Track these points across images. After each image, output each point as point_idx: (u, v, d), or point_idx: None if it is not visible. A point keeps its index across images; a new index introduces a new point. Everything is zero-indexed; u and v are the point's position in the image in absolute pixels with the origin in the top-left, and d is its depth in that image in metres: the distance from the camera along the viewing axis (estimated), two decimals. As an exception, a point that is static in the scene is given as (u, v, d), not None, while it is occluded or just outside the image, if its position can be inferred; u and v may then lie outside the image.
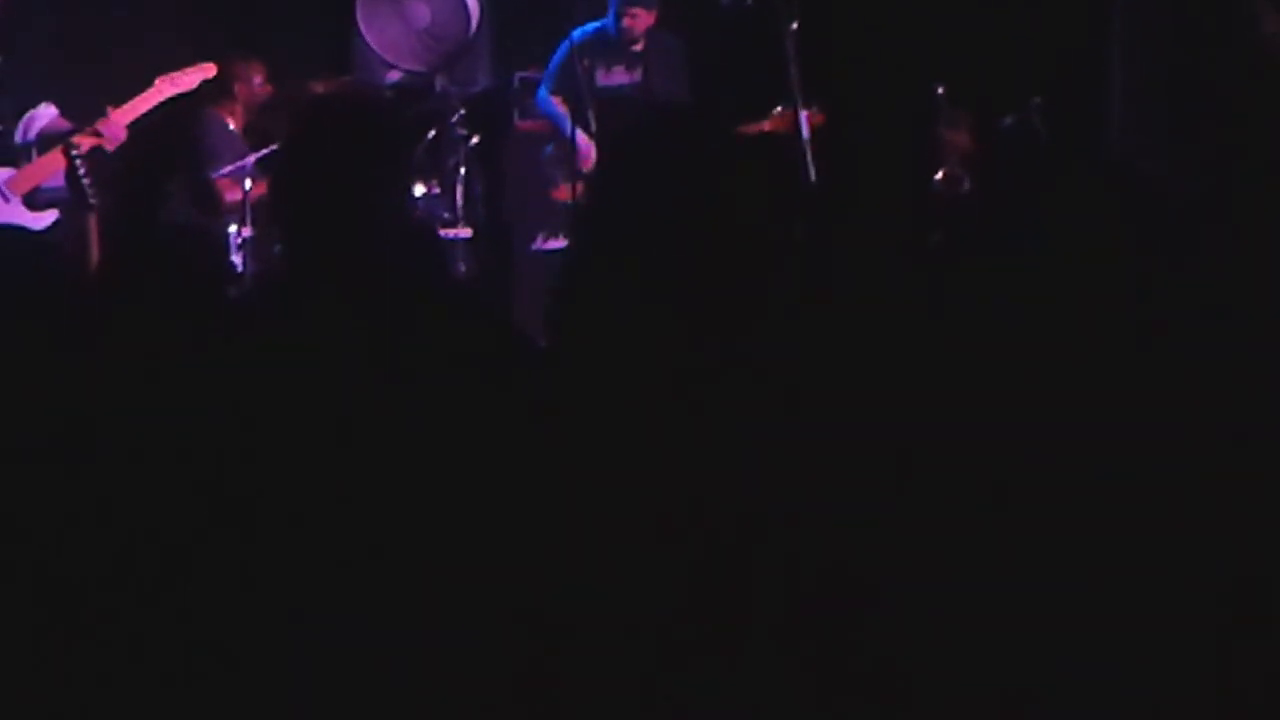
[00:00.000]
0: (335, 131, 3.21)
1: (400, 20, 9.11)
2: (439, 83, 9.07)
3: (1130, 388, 2.65)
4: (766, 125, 8.20)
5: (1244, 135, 6.73)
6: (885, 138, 8.27)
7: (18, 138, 7.18)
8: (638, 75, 8.69)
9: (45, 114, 7.23)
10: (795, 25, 7.77)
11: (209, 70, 7.50)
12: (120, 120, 7.08)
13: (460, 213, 8.29)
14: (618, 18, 8.57)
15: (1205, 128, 7.10)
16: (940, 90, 8.01)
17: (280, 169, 3.55)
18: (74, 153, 6.52)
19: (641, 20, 8.59)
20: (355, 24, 9.08)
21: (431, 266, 3.31)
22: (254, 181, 7.84)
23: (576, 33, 8.56)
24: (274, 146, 7.70)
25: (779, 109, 8.12)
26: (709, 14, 8.64)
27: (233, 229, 7.74)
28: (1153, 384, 2.65)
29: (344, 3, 9.10)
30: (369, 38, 9.08)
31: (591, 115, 8.27)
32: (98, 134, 6.99)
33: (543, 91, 8.77)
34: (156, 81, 7.23)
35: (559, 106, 8.65)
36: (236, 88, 8.38)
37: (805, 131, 7.62)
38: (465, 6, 9.07)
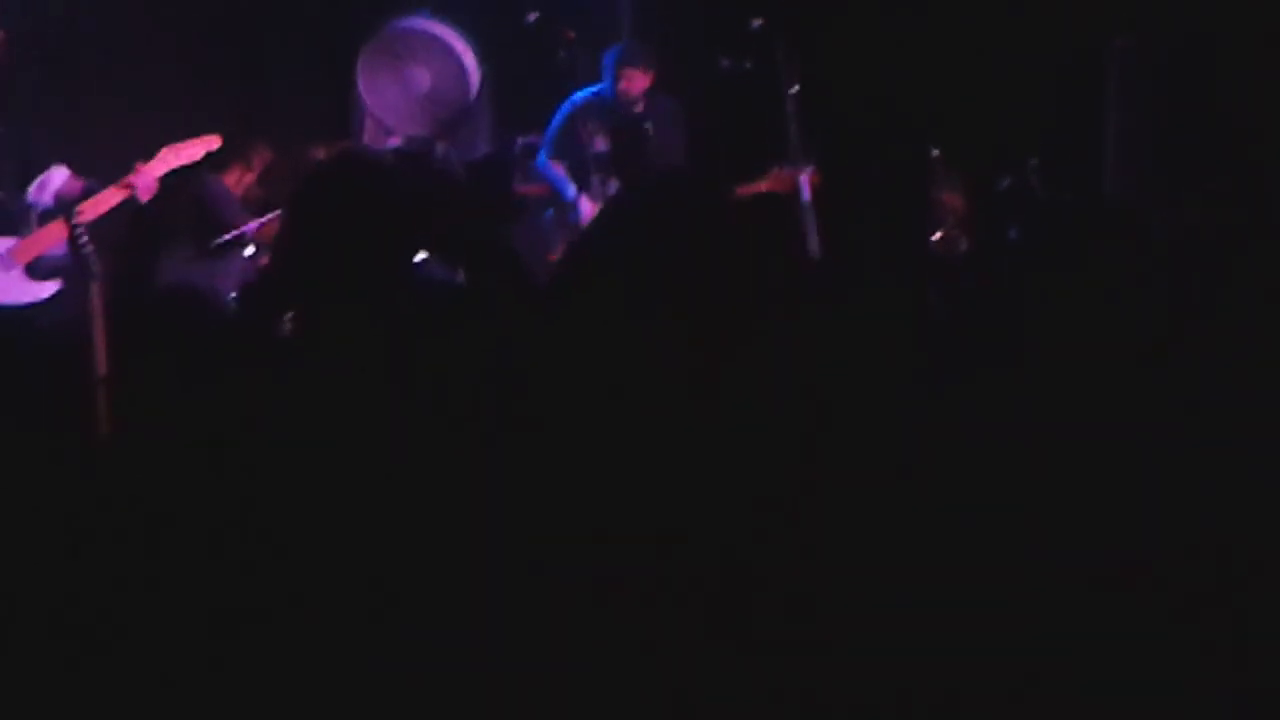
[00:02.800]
0: (337, 194, 3.22)
1: (401, 85, 9.14)
2: (440, 148, 9.10)
3: (1136, 445, 2.66)
4: (764, 186, 8.23)
5: (1239, 199, 6.80)
6: (884, 199, 8.33)
7: (30, 198, 7.20)
8: None
9: (58, 175, 7.26)
10: (795, 88, 7.85)
11: (213, 142, 7.54)
12: (150, 173, 7.13)
13: (461, 275, 8.28)
14: (614, 81, 8.55)
15: (1201, 187, 7.18)
16: (936, 153, 8.07)
17: (283, 232, 3.54)
18: (75, 221, 6.54)
19: (637, 82, 8.56)
20: (356, 89, 9.12)
21: (439, 322, 3.32)
22: (256, 247, 7.89)
23: (575, 97, 8.59)
24: (276, 213, 7.75)
25: (776, 169, 8.15)
26: (710, 76, 8.68)
27: (234, 295, 7.74)
28: (1159, 438, 2.67)
29: (345, 68, 9.15)
30: (370, 103, 9.12)
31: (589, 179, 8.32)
32: (131, 186, 7.04)
33: (542, 156, 8.80)
34: (161, 152, 7.27)
35: (559, 170, 8.68)
36: (254, 160, 8.43)
37: (806, 194, 7.67)
38: (465, 72, 9.12)
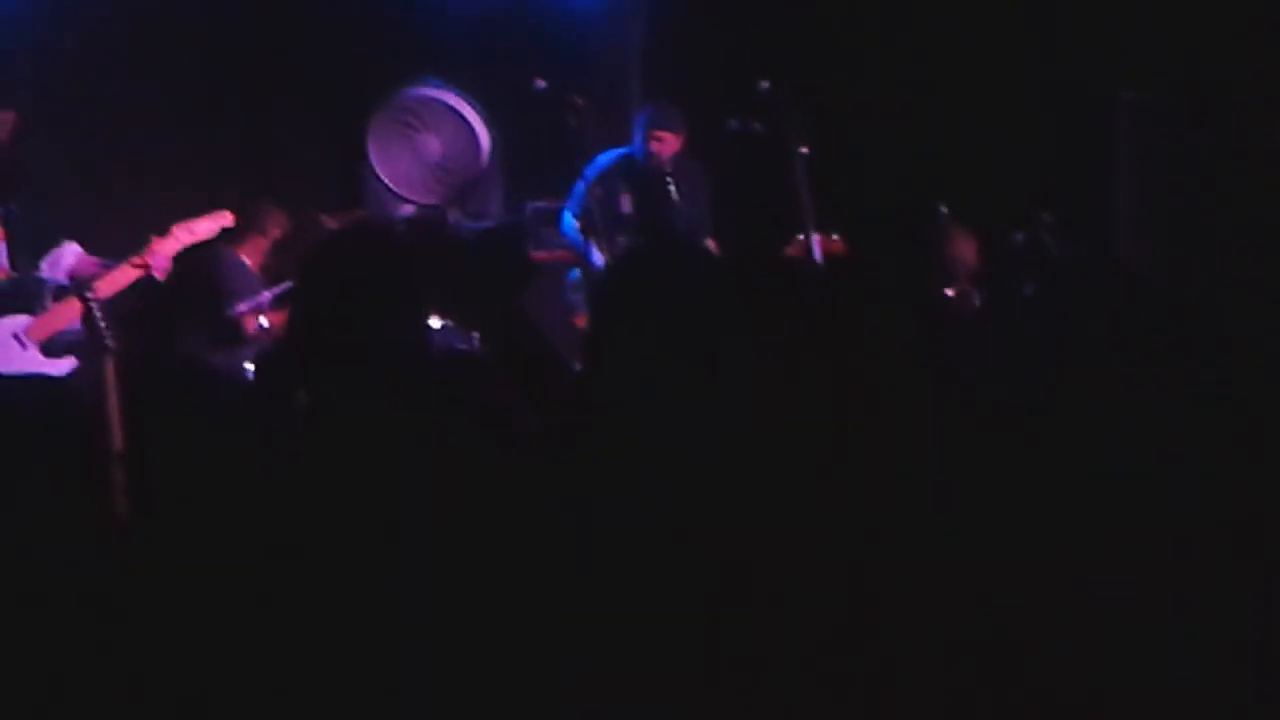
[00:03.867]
0: (350, 265, 3.24)
1: (412, 154, 9.19)
2: (452, 215, 9.12)
3: (1148, 497, 2.67)
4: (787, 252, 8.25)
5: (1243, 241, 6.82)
6: (895, 257, 8.35)
7: (44, 273, 7.24)
8: None
9: (70, 251, 7.32)
10: (805, 149, 7.88)
11: (225, 219, 7.56)
12: (165, 250, 7.15)
13: (476, 345, 8.27)
14: (645, 142, 8.58)
15: (1207, 236, 7.20)
16: (944, 209, 8.08)
17: (297, 304, 3.50)
18: (89, 296, 6.57)
19: (668, 144, 8.58)
20: (367, 159, 9.16)
21: (457, 389, 3.32)
22: (269, 317, 7.91)
23: (601, 158, 8.62)
24: (289, 284, 7.76)
25: (800, 237, 8.17)
26: (719, 138, 8.72)
27: (249, 365, 7.72)
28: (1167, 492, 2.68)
29: (355, 138, 9.19)
30: (381, 172, 9.16)
31: (615, 240, 8.34)
32: (145, 264, 7.07)
33: (566, 217, 8.79)
34: (173, 229, 7.28)
35: (582, 233, 8.70)
36: (262, 233, 8.44)
37: (818, 255, 7.69)
38: (476, 139, 9.16)
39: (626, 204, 8.58)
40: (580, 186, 8.65)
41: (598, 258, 8.49)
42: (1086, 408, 2.85)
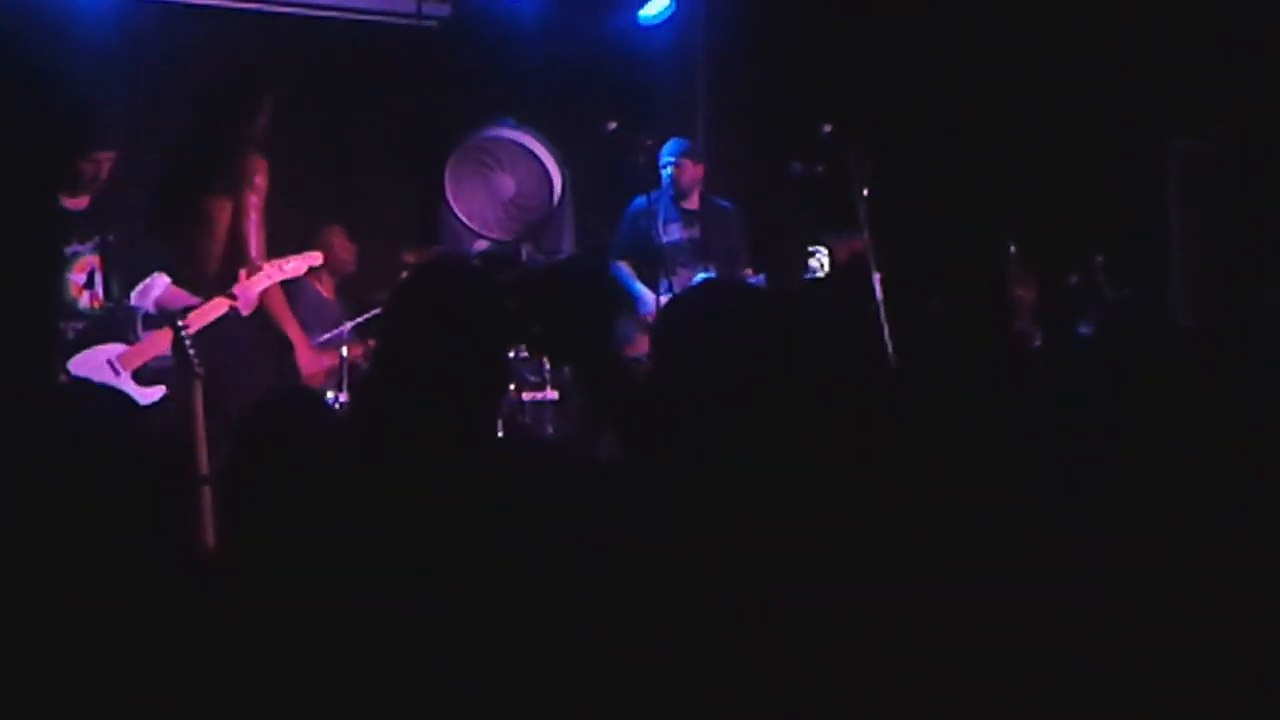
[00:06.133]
0: (440, 300, 3.28)
1: (486, 192, 9.29)
2: (525, 251, 9.28)
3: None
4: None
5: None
6: (961, 297, 8.40)
7: (134, 302, 7.35)
8: (695, 232, 8.88)
9: (159, 283, 7.34)
10: (867, 191, 7.98)
11: (315, 258, 7.67)
12: (253, 285, 7.33)
13: (547, 375, 8.41)
14: (663, 168, 8.84)
15: (1256, 279, 7.23)
16: (1013, 249, 8.17)
17: (385, 335, 3.46)
18: (181, 324, 6.74)
19: (687, 171, 8.85)
20: (443, 197, 9.32)
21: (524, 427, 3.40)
22: (349, 347, 8.06)
23: (637, 200, 8.83)
24: (374, 312, 7.93)
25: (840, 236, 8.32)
26: (783, 181, 8.84)
27: (330, 394, 7.87)
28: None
29: (431, 176, 9.38)
30: (456, 209, 9.24)
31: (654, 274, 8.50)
32: (234, 297, 7.25)
33: (613, 259, 9.01)
34: (265, 267, 7.45)
35: (630, 270, 8.90)
36: (330, 257, 8.58)
37: (879, 293, 7.79)
38: (549, 177, 9.27)
39: (661, 235, 8.75)
40: (623, 225, 8.87)
41: (641, 292, 8.71)
42: (1140, 443, 2.92)
